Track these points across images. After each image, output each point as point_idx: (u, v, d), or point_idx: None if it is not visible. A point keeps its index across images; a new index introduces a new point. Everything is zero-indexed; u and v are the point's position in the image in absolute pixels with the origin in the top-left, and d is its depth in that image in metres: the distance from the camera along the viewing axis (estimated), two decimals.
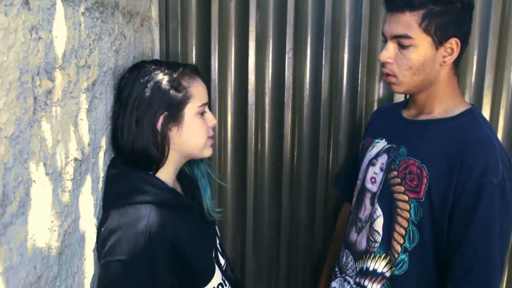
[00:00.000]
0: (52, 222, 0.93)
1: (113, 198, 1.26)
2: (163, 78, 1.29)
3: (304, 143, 2.02)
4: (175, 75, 1.31)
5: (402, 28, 1.29)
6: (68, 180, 1.01)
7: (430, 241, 1.34)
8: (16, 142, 0.78)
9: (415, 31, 1.28)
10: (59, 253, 0.98)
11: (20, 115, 0.79)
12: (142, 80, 1.29)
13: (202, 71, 1.95)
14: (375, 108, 1.98)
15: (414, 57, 1.30)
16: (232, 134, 2.04)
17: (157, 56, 1.94)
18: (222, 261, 1.47)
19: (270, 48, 1.96)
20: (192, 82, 1.34)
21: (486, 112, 1.92)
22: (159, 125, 1.29)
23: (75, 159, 1.05)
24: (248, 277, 2.15)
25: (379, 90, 1.98)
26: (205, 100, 1.37)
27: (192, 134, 1.34)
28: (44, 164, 0.89)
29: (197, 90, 1.34)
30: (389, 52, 1.34)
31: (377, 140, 1.54)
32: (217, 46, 1.96)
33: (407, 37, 1.29)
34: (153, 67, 1.32)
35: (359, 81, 1.95)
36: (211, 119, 1.40)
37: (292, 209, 2.08)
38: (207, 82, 1.97)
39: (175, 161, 1.37)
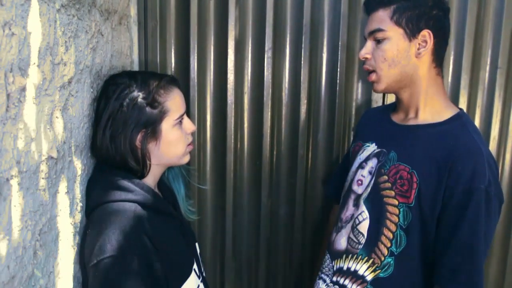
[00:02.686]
0: (26, 221, 0.92)
1: (97, 196, 1.25)
2: (138, 95, 1.29)
3: (283, 143, 2.03)
4: (149, 91, 1.30)
5: (376, 24, 1.38)
6: (43, 178, 1.00)
7: (416, 245, 1.37)
8: None
9: (387, 24, 1.36)
10: (33, 253, 0.96)
11: None
12: (117, 97, 1.28)
13: (181, 70, 1.97)
14: (354, 107, 2.00)
15: (387, 48, 1.37)
16: (211, 134, 2.03)
17: (135, 54, 1.93)
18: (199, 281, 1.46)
19: (249, 48, 1.96)
20: (168, 95, 1.33)
21: None
22: (138, 142, 1.30)
23: (50, 157, 1.04)
24: (228, 277, 2.15)
25: (357, 89, 2.00)
26: (182, 110, 1.37)
27: (171, 145, 1.35)
28: (18, 162, 0.88)
29: (173, 103, 1.34)
30: (367, 48, 1.41)
31: (367, 144, 1.56)
32: (196, 45, 1.95)
33: (379, 30, 1.37)
34: (128, 82, 1.31)
35: (338, 81, 1.96)
36: (189, 126, 1.40)
37: (271, 207, 2.08)
38: (186, 81, 1.97)
39: (155, 172, 1.39)
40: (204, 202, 2.08)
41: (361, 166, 1.52)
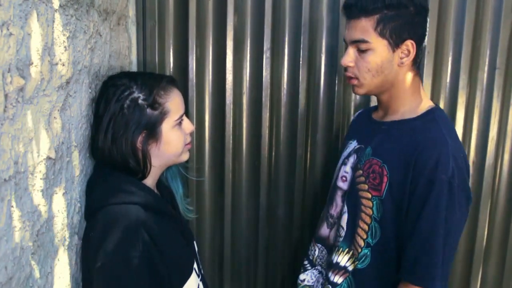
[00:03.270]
0: (23, 221, 0.92)
1: (99, 199, 1.25)
2: (138, 96, 1.29)
3: (282, 143, 2.03)
4: (150, 92, 1.30)
5: (359, 33, 1.36)
6: (40, 179, 1.00)
7: (391, 237, 1.40)
8: None
9: (371, 35, 1.35)
10: (31, 253, 0.96)
11: None
12: (117, 98, 1.28)
13: (179, 71, 1.97)
14: (352, 107, 2.00)
15: (372, 59, 1.37)
16: (210, 134, 2.03)
17: (134, 55, 1.92)
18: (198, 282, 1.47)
19: (248, 48, 1.96)
20: (168, 96, 1.34)
21: (460, 112, 1.95)
22: (139, 144, 1.30)
23: (48, 158, 1.03)
24: (226, 276, 2.15)
25: None
26: (182, 111, 1.38)
27: (170, 146, 1.36)
28: (16, 163, 0.88)
29: (173, 104, 1.35)
30: (349, 56, 1.40)
31: (350, 141, 1.61)
32: (194, 46, 1.95)
33: (364, 41, 1.36)
34: (128, 83, 1.31)
35: (336, 81, 1.96)
36: (188, 126, 1.41)
37: (270, 206, 2.08)
38: (185, 81, 1.96)
39: (154, 172, 1.39)
40: (203, 202, 2.08)
41: (343, 163, 1.57)
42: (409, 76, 1.43)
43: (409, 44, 1.36)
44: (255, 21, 1.94)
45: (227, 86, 1.97)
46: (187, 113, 1.92)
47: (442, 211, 1.29)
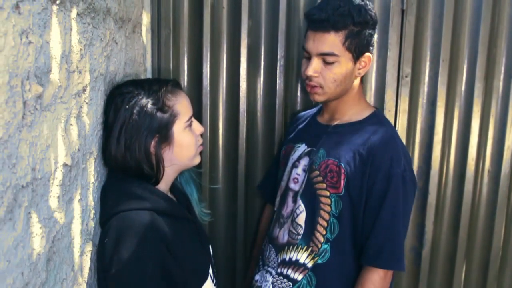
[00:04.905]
0: (40, 228, 0.93)
1: (113, 205, 1.26)
2: (147, 101, 1.30)
3: None
4: (158, 96, 1.31)
5: (328, 47, 1.46)
6: (57, 185, 1.01)
7: (348, 231, 1.52)
8: (4, 146, 0.77)
9: (339, 49, 1.46)
10: (47, 259, 0.97)
11: (9, 119, 0.78)
12: (127, 107, 1.29)
13: (194, 78, 1.98)
14: None
15: (338, 71, 1.48)
16: (223, 141, 2.03)
17: (148, 62, 1.94)
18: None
19: (262, 55, 1.97)
20: (176, 99, 1.35)
21: (475, 121, 1.93)
22: (152, 148, 1.31)
23: (65, 165, 1.04)
24: (239, 281, 2.14)
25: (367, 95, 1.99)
26: (191, 113, 1.40)
27: (183, 148, 1.37)
28: (33, 169, 0.88)
29: (181, 106, 1.36)
30: (315, 67, 1.49)
31: (298, 145, 1.70)
32: (209, 54, 1.96)
33: (333, 54, 1.46)
34: (135, 91, 1.32)
35: None
36: (198, 128, 1.43)
37: None
38: (199, 88, 1.97)
39: (168, 177, 1.40)
40: (216, 209, 2.08)
41: (294, 165, 1.66)
42: (358, 83, 1.58)
43: (367, 57, 1.52)
44: (269, 28, 1.95)
45: (241, 93, 1.98)
46: (201, 120, 1.93)
47: (400, 201, 1.45)
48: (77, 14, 1.08)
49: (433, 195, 1.99)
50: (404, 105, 1.95)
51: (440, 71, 1.91)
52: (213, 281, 1.44)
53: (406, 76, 1.93)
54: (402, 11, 1.88)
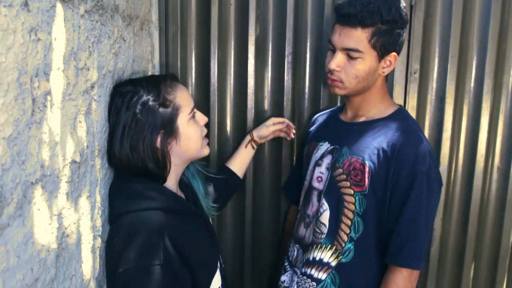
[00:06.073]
0: (49, 224, 0.93)
1: (122, 205, 1.27)
2: (148, 98, 1.30)
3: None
4: (158, 92, 1.31)
5: (354, 43, 1.45)
6: (66, 182, 1.01)
7: (372, 230, 1.51)
8: (14, 143, 0.77)
9: (364, 46, 1.45)
10: (56, 256, 0.97)
11: (19, 116, 0.79)
12: (127, 106, 1.29)
13: (201, 75, 1.98)
14: None
15: (361, 67, 1.47)
16: (231, 138, 2.03)
17: (156, 59, 1.94)
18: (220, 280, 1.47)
19: (270, 52, 1.96)
20: (176, 92, 1.35)
21: (485, 117, 1.92)
22: (158, 144, 1.31)
23: (73, 161, 1.05)
24: (247, 282, 2.14)
25: None
26: (192, 104, 1.40)
27: (190, 140, 1.37)
28: (42, 166, 0.89)
29: (182, 99, 1.36)
30: (339, 62, 1.49)
31: (320, 143, 1.69)
32: (216, 50, 1.96)
33: (357, 50, 1.45)
34: (134, 89, 1.31)
35: None
36: (202, 118, 1.44)
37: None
38: (207, 86, 1.97)
39: (176, 170, 1.40)
40: (224, 208, 2.07)
41: (317, 164, 1.65)
42: (383, 83, 1.57)
43: (393, 56, 1.50)
44: (277, 25, 1.94)
45: (248, 90, 1.98)
46: (208, 117, 1.93)
47: (423, 199, 1.43)
48: (85, 11, 1.08)
49: (441, 191, 1.98)
50: (412, 101, 1.94)
51: (449, 67, 1.90)
52: (221, 272, 1.45)
53: (414, 73, 1.92)
54: (411, 7, 1.87)
